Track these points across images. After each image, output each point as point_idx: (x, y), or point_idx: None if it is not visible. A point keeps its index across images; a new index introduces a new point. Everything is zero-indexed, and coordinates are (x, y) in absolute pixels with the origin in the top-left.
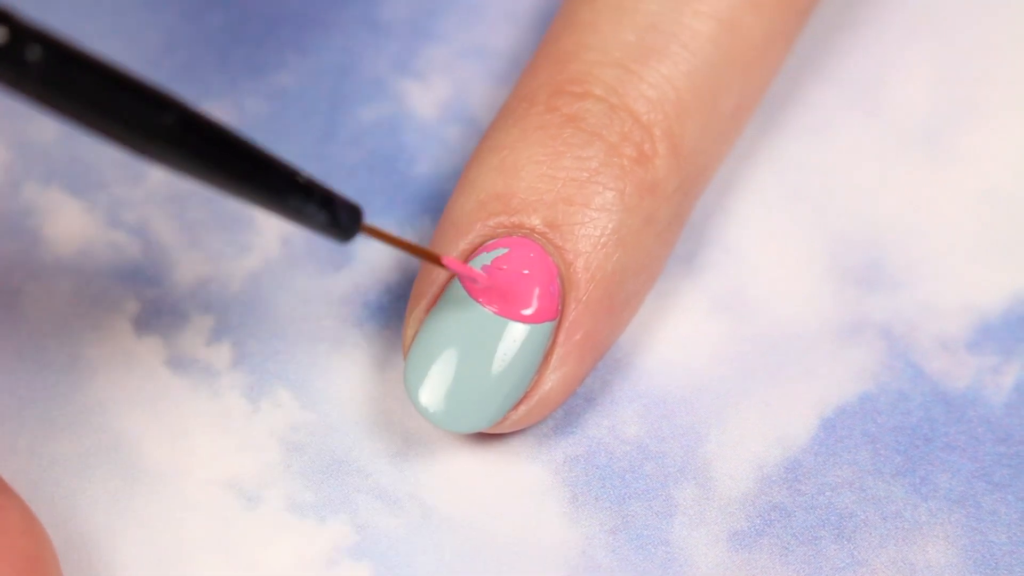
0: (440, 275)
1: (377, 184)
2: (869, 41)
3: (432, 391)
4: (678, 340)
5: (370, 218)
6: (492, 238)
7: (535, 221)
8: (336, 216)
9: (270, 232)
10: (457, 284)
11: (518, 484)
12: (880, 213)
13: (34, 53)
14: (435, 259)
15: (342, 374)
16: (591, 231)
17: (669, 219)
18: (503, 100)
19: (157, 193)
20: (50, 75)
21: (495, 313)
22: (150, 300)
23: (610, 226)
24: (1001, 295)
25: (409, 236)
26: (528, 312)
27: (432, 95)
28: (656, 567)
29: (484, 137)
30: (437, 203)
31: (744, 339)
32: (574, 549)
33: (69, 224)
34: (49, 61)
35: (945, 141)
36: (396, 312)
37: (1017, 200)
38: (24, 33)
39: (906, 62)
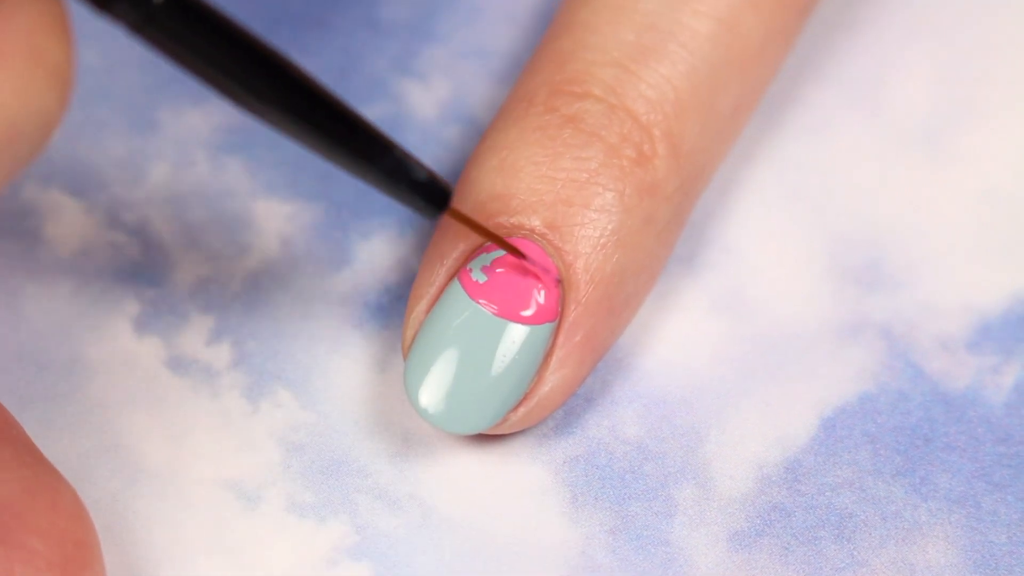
0: (440, 276)
1: None
2: (869, 41)
3: (432, 392)
4: (678, 340)
5: (370, 217)
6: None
7: (535, 222)
8: (433, 189)
9: (270, 232)
10: (457, 285)
11: (518, 484)
12: (880, 213)
13: None
14: (514, 251)
15: (342, 374)
16: (591, 232)
17: (669, 219)
18: (503, 100)
19: (157, 193)
20: (173, 21)
21: (495, 314)
22: (150, 300)
23: (610, 227)
24: (1001, 295)
25: (409, 236)
26: (528, 313)
27: (432, 95)
28: (656, 567)
29: (483, 137)
30: None
31: (744, 339)
32: (574, 549)
33: (69, 224)
34: (172, 4)
35: (945, 141)
36: (396, 312)
37: (1017, 200)
38: None
39: (906, 62)
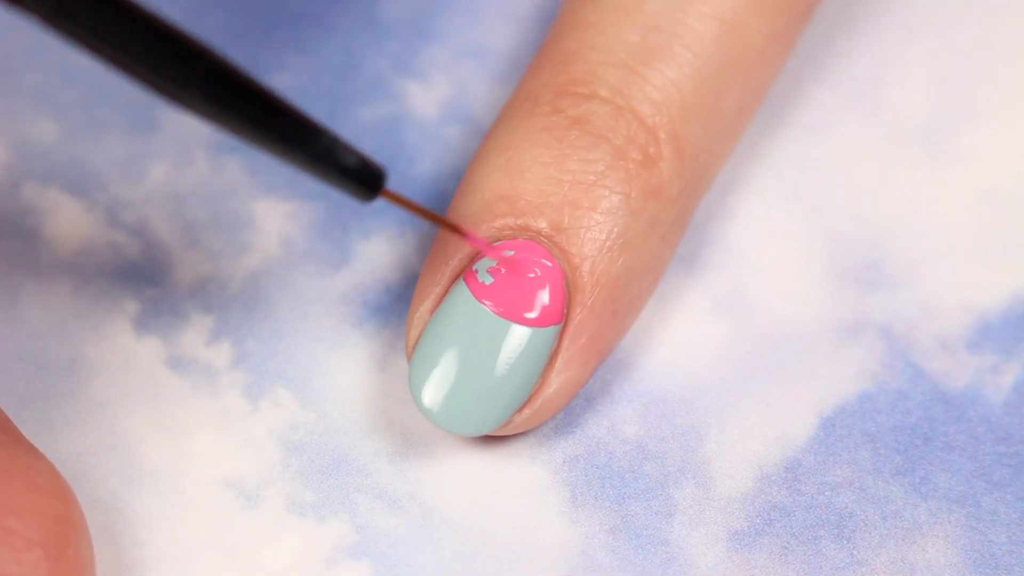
0: (445, 275)
1: None
2: (869, 41)
3: (436, 393)
4: (678, 340)
5: (369, 217)
6: (497, 240)
7: (541, 224)
8: (362, 172)
9: (270, 232)
10: (462, 285)
11: (518, 484)
12: (880, 213)
13: None
14: (456, 228)
15: (342, 374)
16: (597, 235)
17: (673, 222)
18: (503, 100)
19: (157, 193)
20: (83, 10)
21: (500, 316)
22: (150, 300)
23: (616, 230)
24: (1001, 295)
25: (409, 236)
26: (533, 315)
27: (432, 95)
28: (656, 567)
29: (488, 136)
30: (437, 203)
31: (744, 339)
32: (574, 549)
33: (69, 224)
34: None
35: (945, 141)
36: (396, 312)
37: (1017, 200)
38: None
39: (906, 62)
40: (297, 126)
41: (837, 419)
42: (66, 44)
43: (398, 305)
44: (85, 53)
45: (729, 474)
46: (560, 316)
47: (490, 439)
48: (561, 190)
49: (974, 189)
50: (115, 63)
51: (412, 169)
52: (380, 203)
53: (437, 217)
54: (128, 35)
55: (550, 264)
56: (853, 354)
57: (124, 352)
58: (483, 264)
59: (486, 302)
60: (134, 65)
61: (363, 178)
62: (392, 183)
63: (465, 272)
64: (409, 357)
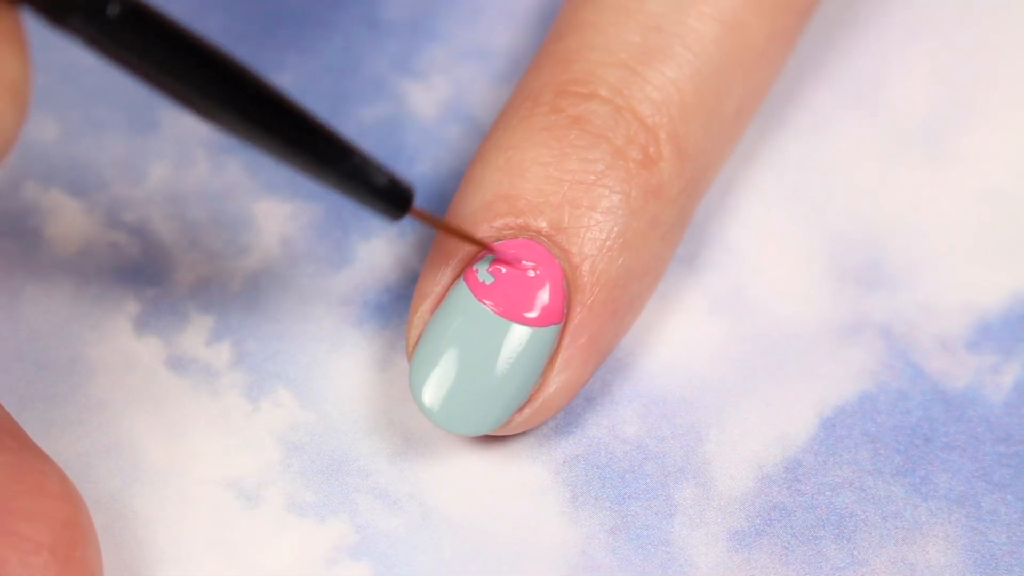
0: (444, 275)
1: None
2: (869, 41)
3: (437, 393)
4: (678, 340)
5: (369, 218)
6: (498, 239)
7: (541, 223)
8: (391, 191)
9: (270, 232)
10: (463, 285)
11: (518, 484)
12: (880, 213)
13: (113, 9)
14: (483, 244)
15: (342, 374)
16: (597, 235)
17: (673, 221)
18: (504, 100)
19: (157, 193)
20: (128, 33)
21: (500, 316)
22: (150, 300)
23: (616, 230)
24: (1001, 295)
25: (409, 236)
26: (533, 315)
27: (432, 95)
28: (656, 567)
29: (488, 136)
30: (437, 203)
31: (744, 339)
32: (574, 549)
33: (69, 224)
34: (128, 17)
35: (945, 141)
36: (396, 312)
37: (1017, 200)
38: None
39: (906, 62)
40: (330, 145)
41: (837, 419)
42: (109, 65)
43: (398, 305)
44: (128, 74)
45: (729, 474)
46: (560, 316)
47: (490, 439)
48: (561, 190)
49: (974, 189)
50: (153, 83)
51: (412, 169)
52: None
53: (465, 234)
54: (165, 58)
55: (551, 264)
56: (853, 354)
57: (124, 352)
58: (483, 264)
59: (486, 302)
60: (174, 88)
61: (392, 197)
62: None
63: (465, 272)
64: (409, 357)
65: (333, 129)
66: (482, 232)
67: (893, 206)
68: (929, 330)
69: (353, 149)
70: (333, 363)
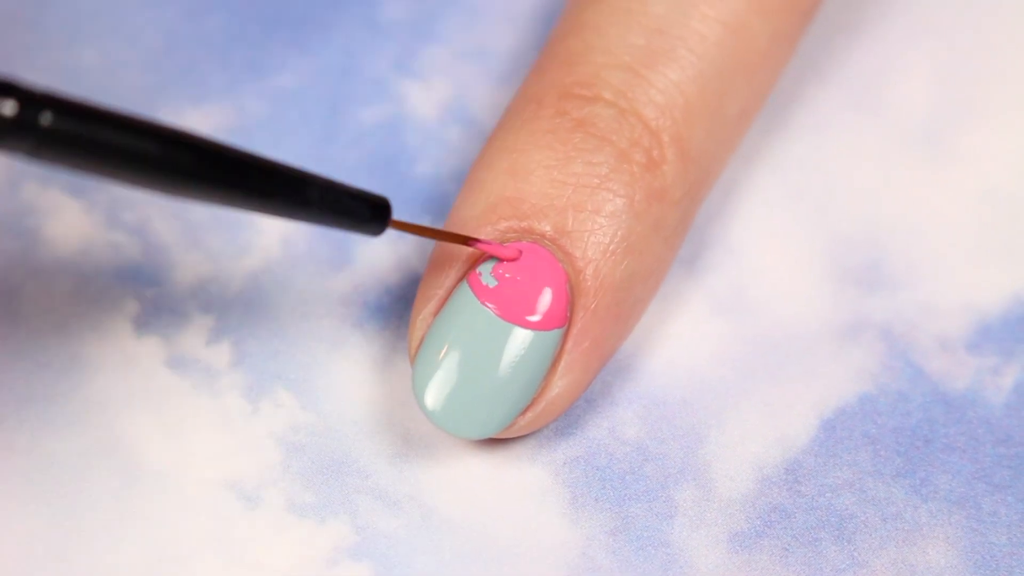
0: (448, 278)
1: (377, 185)
2: (870, 42)
3: (440, 396)
4: (678, 341)
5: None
6: (501, 242)
7: (545, 227)
8: (363, 212)
9: (270, 232)
10: (466, 288)
11: (518, 485)
12: (881, 213)
13: (46, 119)
14: (467, 241)
15: (342, 375)
16: (601, 238)
17: (676, 224)
18: (504, 101)
19: None
20: (65, 136)
21: (504, 319)
22: (150, 300)
23: (619, 233)
24: (1001, 295)
25: (409, 237)
26: (536, 319)
27: (432, 96)
28: (656, 568)
29: (491, 138)
30: (437, 204)
31: (745, 340)
32: (574, 550)
33: (69, 224)
34: (62, 122)
35: (945, 141)
36: (396, 313)
37: (1017, 200)
38: (33, 101)
39: (906, 62)
40: (286, 183)
41: (837, 420)
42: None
43: (399, 306)
44: (82, 174)
45: (729, 475)
46: (563, 319)
47: (491, 441)
48: (565, 193)
49: (974, 189)
50: (103, 176)
51: (412, 170)
52: None
53: (448, 235)
54: (112, 151)
55: (554, 267)
56: (853, 355)
57: (124, 352)
58: (487, 267)
59: (489, 305)
60: (124, 176)
61: (368, 215)
62: (392, 184)
63: (468, 275)
64: (412, 360)
65: (285, 165)
66: (486, 234)
67: (894, 207)
68: (929, 331)
69: (310, 178)
70: (333, 364)
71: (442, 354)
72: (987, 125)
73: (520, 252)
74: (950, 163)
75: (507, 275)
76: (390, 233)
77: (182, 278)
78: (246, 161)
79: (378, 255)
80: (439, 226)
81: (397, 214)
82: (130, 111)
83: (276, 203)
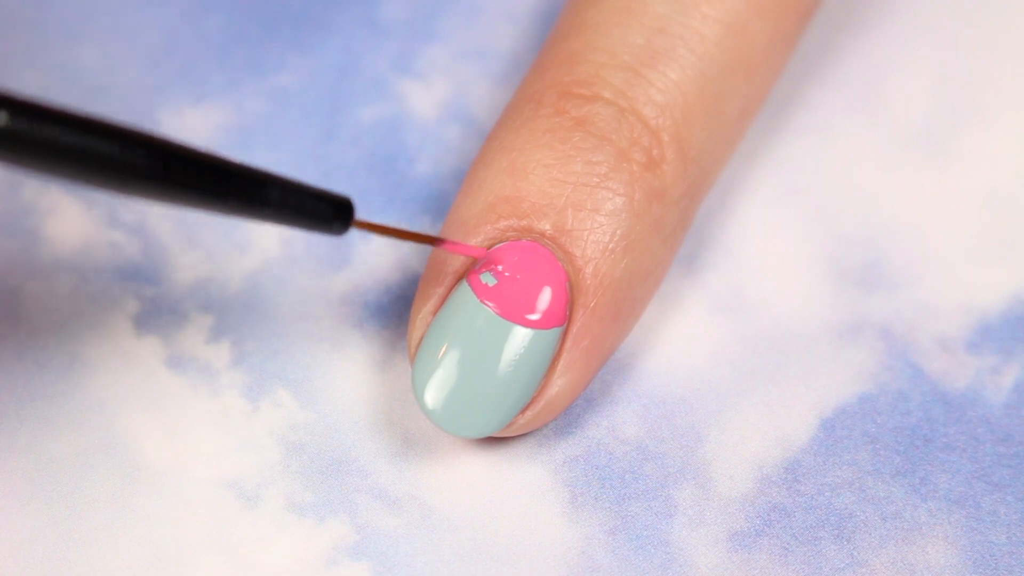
0: (447, 277)
1: (377, 184)
2: (869, 42)
3: (440, 395)
4: (678, 340)
5: (370, 217)
6: (501, 241)
7: (545, 226)
8: (325, 212)
9: (270, 232)
10: (465, 287)
11: (518, 484)
12: (880, 213)
13: (1, 118)
14: (434, 241)
15: (342, 374)
16: (600, 237)
17: (675, 224)
18: (503, 100)
19: None
20: (20, 135)
21: (503, 318)
22: (150, 299)
23: (619, 232)
24: (1001, 295)
25: None
26: (536, 317)
27: (432, 95)
28: (655, 567)
29: (491, 136)
30: (437, 203)
31: (744, 339)
32: (573, 549)
33: (69, 224)
34: (17, 121)
35: (945, 142)
36: (396, 312)
37: (1017, 200)
38: None
39: (906, 63)
40: (248, 184)
41: (837, 420)
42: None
43: (398, 306)
44: (40, 175)
45: (729, 475)
46: (563, 318)
47: (490, 440)
48: (565, 192)
49: (974, 190)
50: (57, 177)
51: (412, 169)
52: (379, 202)
53: (413, 235)
54: (66, 152)
55: (554, 266)
56: (853, 355)
57: (124, 352)
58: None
59: (489, 303)
60: (79, 177)
61: (332, 215)
62: (392, 183)
63: (468, 274)
64: (412, 359)
65: (243, 165)
66: (485, 233)
67: (893, 206)
68: (929, 331)
69: (270, 179)
70: (333, 363)
71: (442, 353)
72: (987, 125)
73: (485, 251)
74: (950, 163)
75: (507, 274)
76: None
77: (182, 277)
78: (202, 161)
79: (378, 255)
80: (439, 226)
81: (397, 214)
82: (83, 110)
83: (233, 203)
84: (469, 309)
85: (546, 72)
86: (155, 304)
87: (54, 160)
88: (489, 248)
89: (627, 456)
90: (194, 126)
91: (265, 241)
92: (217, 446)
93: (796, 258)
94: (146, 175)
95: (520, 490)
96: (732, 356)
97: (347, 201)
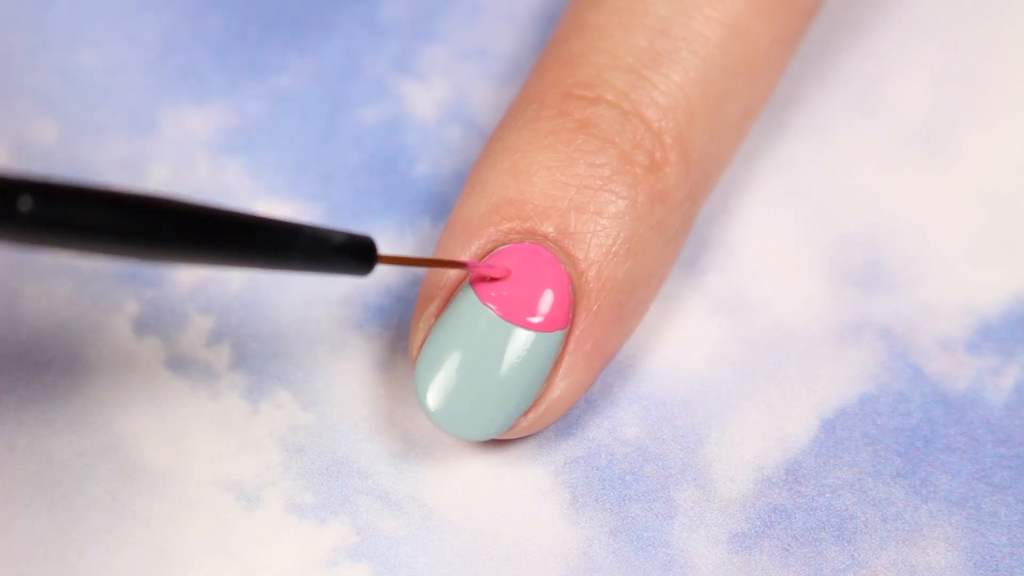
0: (449, 279)
1: (377, 185)
2: (870, 43)
3: (441, 397)
4: (679, 342)
5: (369, 219)
6: (503, 243)
7: (548, 228)
8: (349, 260)
9: None
10: (468, 289)
11: (518, 486)
12: (880, 214)
13: (26, 203)
14: (460, 266)
15: (342, 375)
16: (603, 240)
17: (678, 226)
18: (504, 101)
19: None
20: (46, 219)
21: (506, 320)
22: (150, 301)
23: (622, 235)
24: (1001, 295)
25: (409, 238)
26: (538, 320)
27: (432, 96)
28: (656, 569)
29: (493, 137)
30: (437, 204)
31: (744, 340)
32: (574, 551)
33: None
34: (43, 205)
35: (945, 142)
36: (396, 313)
37: (1017, 200)
38: (12, 186)
39: (907, 63)
40: (275, 238)
41: (838, 421)
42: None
43: (399, 307)
44: (65, 253)
45: (730, 476)
46: (565, 321)
47: (491, 441)
48: (567, 194)
49: (974, 190)
50: (92, 252)
51: (412, 170)
52: (379, 203)
53: (439, 261)
54: (94, 230)
55: (557, 269)
56: (854, 356)
57: (124, 353)
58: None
59: (491, 306)
60: (106, 249)
61: (355, 255)
62: (392, 184)
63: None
64: (413, 361)
65: (268, 220)
66: (488, 235)
67: (894, 207)
68: (929, 331)
69: (294, 232)
70: (333, 365)
71: (444, 355)
72: (987, 125)
73: (510, 271)
74: (950, 163)
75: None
76: (391, 233)
77: (182, 279)
78: (230, 221)
79: None
80: (439, 226)
81: (396, 213)
82: (103, 184)
83: (260, 263)
84: (472, 311)
85: (548, 73)
86: (155, 306)
87: (84, 240)
88: (492, 249)
89: (628, 457)
90: (194, 127)
91: None
92: (218, 448)
93: (797, 259)
94: (173, 244)
95: (521, 491)
96: (733, 357)
97: (369, 242)
